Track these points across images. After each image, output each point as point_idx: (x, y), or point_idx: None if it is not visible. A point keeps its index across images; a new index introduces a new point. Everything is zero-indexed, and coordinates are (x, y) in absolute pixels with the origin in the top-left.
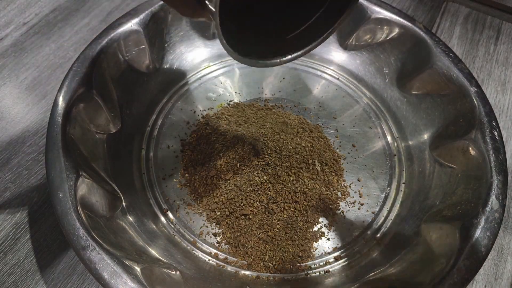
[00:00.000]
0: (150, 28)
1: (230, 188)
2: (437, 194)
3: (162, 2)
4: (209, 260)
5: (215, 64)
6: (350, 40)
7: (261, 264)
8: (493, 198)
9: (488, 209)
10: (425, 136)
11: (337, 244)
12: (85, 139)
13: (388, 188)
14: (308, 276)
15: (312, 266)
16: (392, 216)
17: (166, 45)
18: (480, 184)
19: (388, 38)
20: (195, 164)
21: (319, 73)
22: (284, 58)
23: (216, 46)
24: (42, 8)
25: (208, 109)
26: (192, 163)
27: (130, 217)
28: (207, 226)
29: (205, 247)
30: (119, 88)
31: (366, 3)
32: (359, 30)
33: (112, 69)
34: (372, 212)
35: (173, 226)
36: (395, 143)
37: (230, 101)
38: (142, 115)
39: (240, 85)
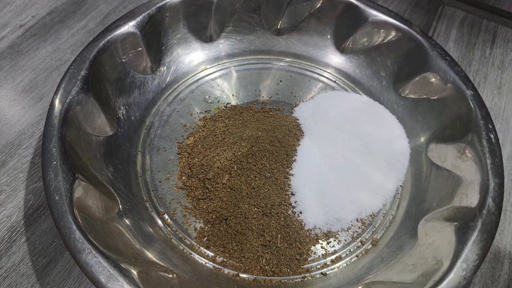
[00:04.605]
0: (147, 30)
1: (227, 191)
2: (433, 196)
3: (159, 5)
4: (206, 263)
5: (212, 66)
6: (347, 43)
7: (258, 267)
8: (489, 200)
9: (484, 211)
10: (422, 139)
11: (334, 247)
12: (81, 142)
13: None
14: (306, 279)
15: (309, 269)
16: (389, 218)
17: (163, 48)
18: (477, 186)
19: (384, 41)
20: (192, 166)
21: (316, 76)
22: None
23: (213, 49)
24: (38, 10)
25: (205, 111)
26: (189, 166)
27: (126, 220)
28: (204, 229)
29: (202, 250)
30: (116, 91)
31: (363, 7)
32: (356, 33)
33: (109, 72)
34: (370, 215)
35: (169, 229)
36: None
37: (227, 103)
38: (139, 117)
39: (237, 88)
